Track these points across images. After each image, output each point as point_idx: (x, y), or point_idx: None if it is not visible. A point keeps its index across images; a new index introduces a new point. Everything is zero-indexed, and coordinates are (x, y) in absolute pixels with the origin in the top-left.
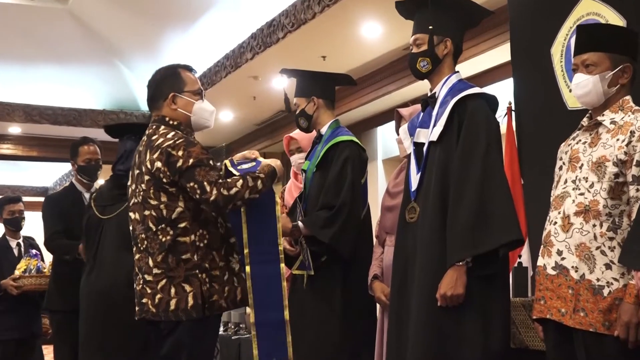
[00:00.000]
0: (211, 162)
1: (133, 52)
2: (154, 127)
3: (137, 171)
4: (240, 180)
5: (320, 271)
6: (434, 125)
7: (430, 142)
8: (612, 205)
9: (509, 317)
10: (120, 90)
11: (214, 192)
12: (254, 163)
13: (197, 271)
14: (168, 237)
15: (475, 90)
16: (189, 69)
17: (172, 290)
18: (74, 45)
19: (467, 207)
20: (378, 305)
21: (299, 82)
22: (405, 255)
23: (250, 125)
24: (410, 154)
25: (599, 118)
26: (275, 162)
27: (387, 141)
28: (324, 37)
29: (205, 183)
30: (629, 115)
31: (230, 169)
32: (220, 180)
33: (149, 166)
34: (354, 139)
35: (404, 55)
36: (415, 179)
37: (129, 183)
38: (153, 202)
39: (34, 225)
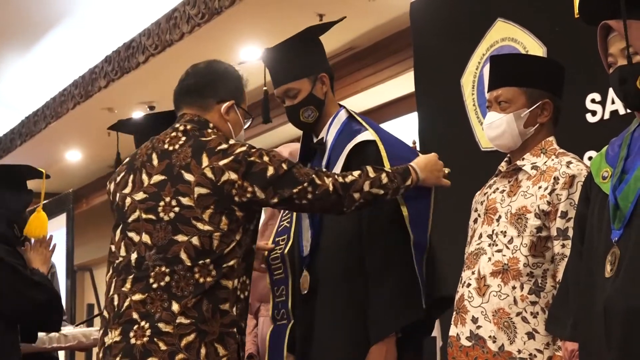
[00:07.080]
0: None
1: None
2: (190, 127)
3: (160, 177)
4: (358, 171)
5: None
6: None
7: None
8: (534, 263)
9: None
10: None
11: (328, 180)
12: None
13: (235, 329)
14: (209, 279)
15: (370, 135)
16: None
17: (203, 351)
18: None
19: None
20: None
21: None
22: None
23: (103, 166)
24: None
25: (519, 163)
26: (426, 159)
27: None
28: (195, 61)
29: (314, 177)
30: (552, 159)
31: None
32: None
33: (210, 176)
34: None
35: None
36: (307, 240)
37: (125, 191)
38: (203, 227)
39: None
